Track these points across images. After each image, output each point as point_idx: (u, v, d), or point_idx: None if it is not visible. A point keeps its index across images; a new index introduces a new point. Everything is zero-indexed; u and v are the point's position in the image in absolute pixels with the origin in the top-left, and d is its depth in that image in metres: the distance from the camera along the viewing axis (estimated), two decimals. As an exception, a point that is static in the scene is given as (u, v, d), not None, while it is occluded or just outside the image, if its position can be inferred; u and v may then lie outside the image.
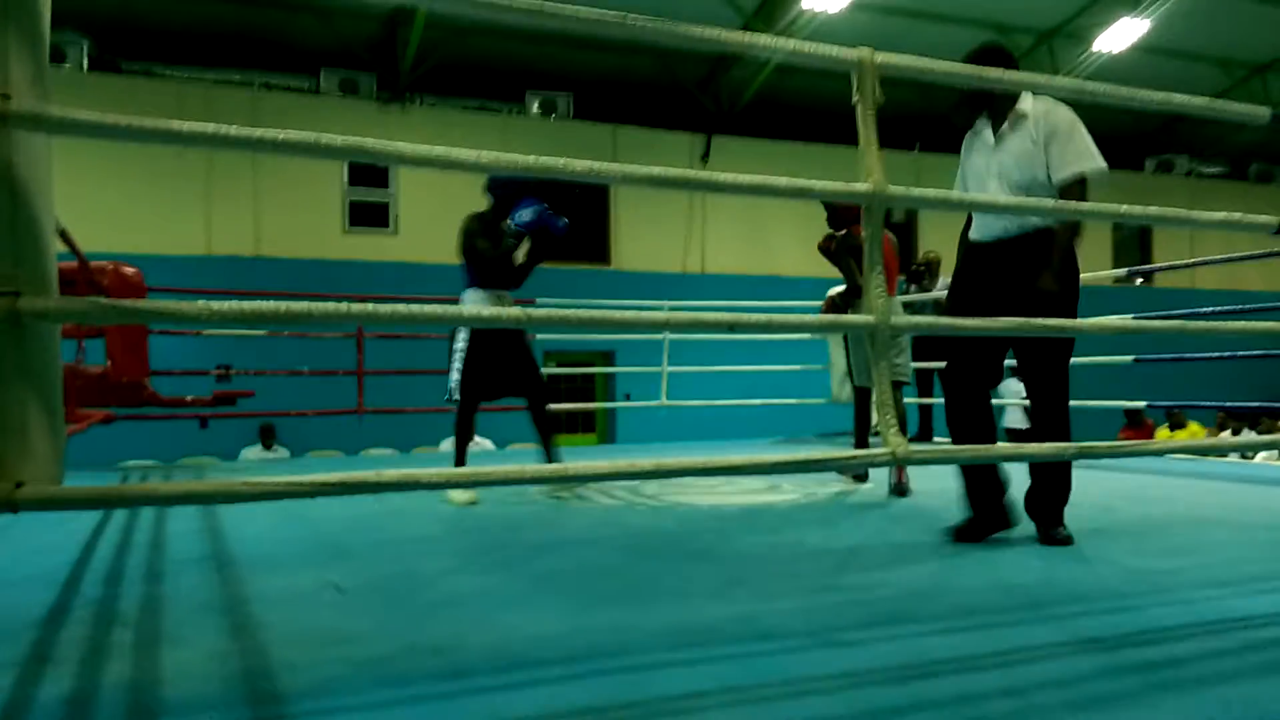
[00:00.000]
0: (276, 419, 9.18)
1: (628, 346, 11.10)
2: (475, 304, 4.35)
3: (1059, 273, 2.98)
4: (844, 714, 1.54)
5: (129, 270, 6.02)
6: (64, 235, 4.27)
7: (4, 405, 1.56)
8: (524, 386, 4.49)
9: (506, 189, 4.43)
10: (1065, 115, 3.05)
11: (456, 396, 4.39)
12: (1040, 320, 2.73)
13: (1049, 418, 3.11)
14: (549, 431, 4.50)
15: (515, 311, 2.23)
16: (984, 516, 3.14)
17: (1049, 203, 2.72)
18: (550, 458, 4.42)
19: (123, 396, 6.07)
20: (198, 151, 11.35)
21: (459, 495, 4.16)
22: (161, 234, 11.21)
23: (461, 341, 4.39)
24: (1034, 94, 3.12)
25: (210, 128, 1.67)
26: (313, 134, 1.75)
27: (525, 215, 4.36)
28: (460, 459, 4.36)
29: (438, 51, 12.12)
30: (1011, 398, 10.82)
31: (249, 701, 1.65)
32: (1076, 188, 2.98)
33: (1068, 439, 3.02)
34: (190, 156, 11.35)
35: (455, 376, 4.38)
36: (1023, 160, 3.05)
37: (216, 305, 1.63)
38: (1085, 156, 3.00)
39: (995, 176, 3.12)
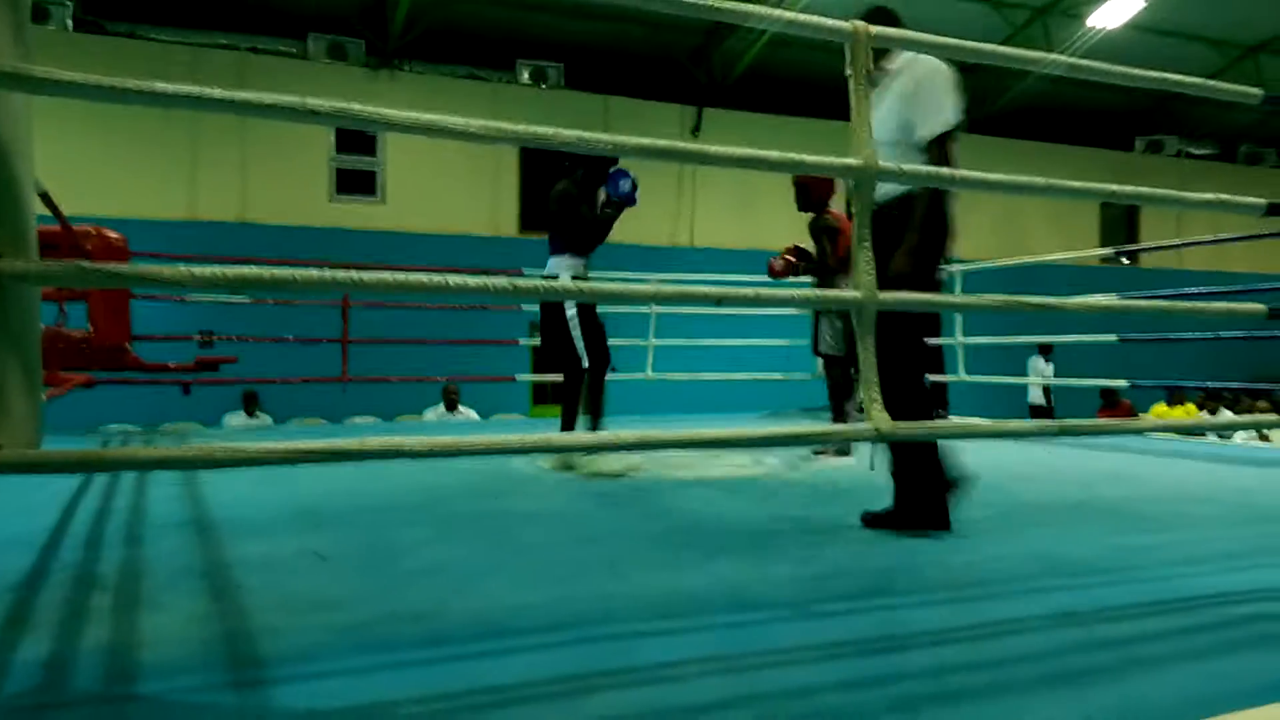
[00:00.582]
0: (260, 386, 9.14)
1: (614, 319, 11.08)
2: (570, 271, 4.43)
3: (914, 249, 2.83)
4: (823, 684, 1.55)
5: (113, 235, 5.95)
6: (46, 198, 4.22)
7: (-18, 367, 1.54)
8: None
9: (599, 157, 4.41)
10: (923, 67, 2.90)
11: (586, 364, 4.43)
12: (1031, 299, 2.72)
13: (895, 393, 2.64)
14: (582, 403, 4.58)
15: (501, 282, 2.21)
16: (913, 508, 2.91)
17: (1040, 181, 2.71)
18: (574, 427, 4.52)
19: (105, 361, 6.02)
20: (183, 116, 11.20)
21: (613, 463, 4.20)
22: (146, 198, 11.08)
23: (572, 310, 4.41)
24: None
25: (194, 89, 1.64)
26: (298, 97, 1.72)
27: (625, 186, 4.44)
28: (597, 425, 4.42)
29: (427, 17, 11.96)
30: (1035, 376, 11.16)
31: (228, 665, 1.65)
32: (934, 147, 2.84)
33: (917, 415, 2.77)
34: (176, 121, 11.21)
35: (583, 345, 4.42)
36: (888, 117, 2.91)
37: (198, 270, 1.61)
38: (936, 113, 2.85)
39: None
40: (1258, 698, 1.45)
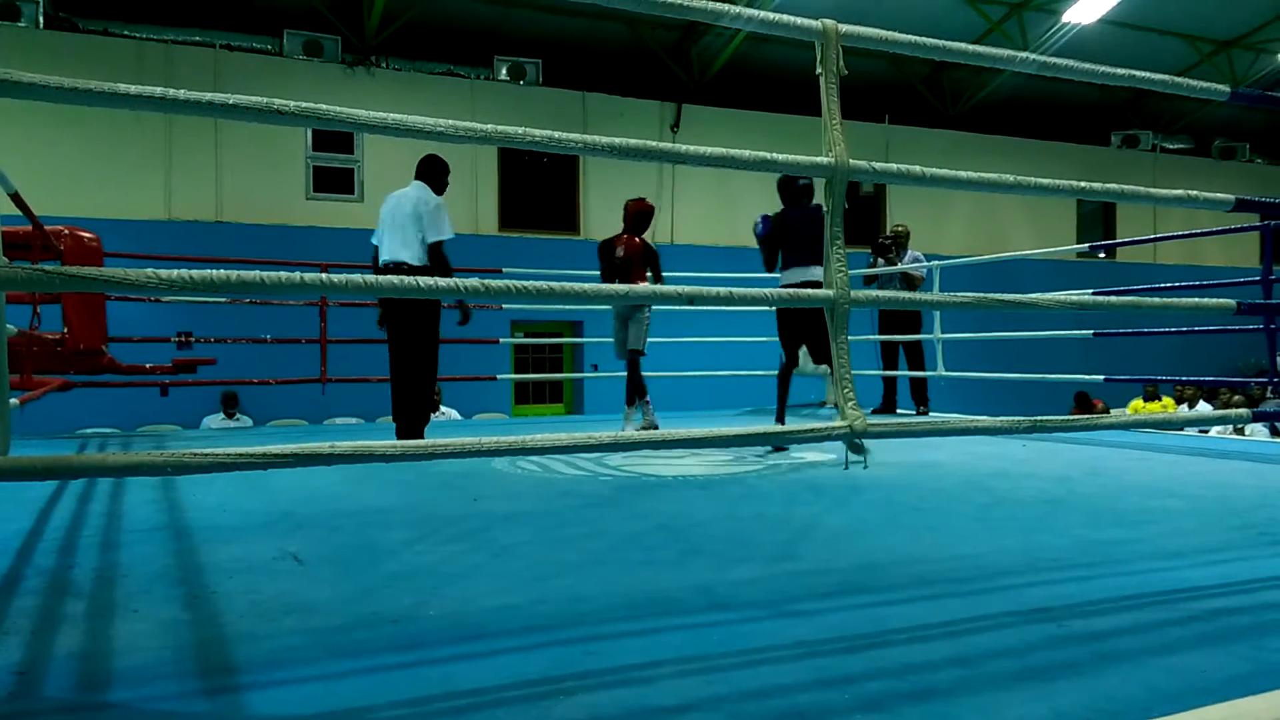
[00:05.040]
0: (239, 387, 9.08)
1: (595, 316, 11.06)
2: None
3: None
4: (796, 683, 1.55)
5: (86, 234, 5.90)
6: (17, 198, 4.17)
7: (-52, 374, 1.52)
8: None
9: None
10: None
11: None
12: (1002, 296, 2.75)
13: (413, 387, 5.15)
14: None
15: (473, 283, 2.21)
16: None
17: (1010, 178, 2.72)
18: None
19: (80, 363, 5.97)
20: (156, 115, 11.08)
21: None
22: (121, 197, 10.98)
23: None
24: None
25: (159, 91, 1.63)
26: (264, 98, 1.71)
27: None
28: None
29: (405, 13, 11.90)
30: None
31: (201, 673, 1.64)
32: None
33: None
34: (150, 118, 11.09)
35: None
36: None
37: (165, 273, 1.60)
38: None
39: None
40: (1225, 692, 1.47)
